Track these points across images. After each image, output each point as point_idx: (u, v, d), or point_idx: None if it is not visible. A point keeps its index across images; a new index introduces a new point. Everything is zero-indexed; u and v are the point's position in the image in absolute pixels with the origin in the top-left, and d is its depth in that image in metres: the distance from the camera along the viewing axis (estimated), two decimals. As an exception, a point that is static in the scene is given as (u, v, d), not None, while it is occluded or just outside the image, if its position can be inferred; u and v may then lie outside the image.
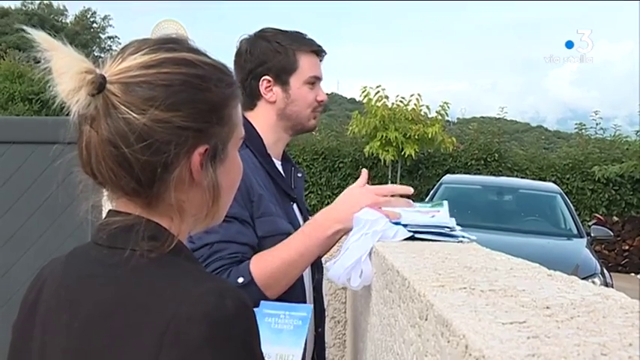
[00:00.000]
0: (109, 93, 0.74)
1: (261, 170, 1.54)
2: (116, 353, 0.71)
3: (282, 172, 1.64)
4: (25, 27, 0.75)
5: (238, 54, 1.61)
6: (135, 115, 0.73)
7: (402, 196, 1.59)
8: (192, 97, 0.77)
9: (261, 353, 0.75)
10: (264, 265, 1.39)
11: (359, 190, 1.48)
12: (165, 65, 0.76)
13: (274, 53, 1.58)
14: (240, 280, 1.36)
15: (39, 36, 0.74)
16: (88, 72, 0.73)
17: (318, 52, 1.64)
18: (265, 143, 1.59)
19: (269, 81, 1.58)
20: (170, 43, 0.80)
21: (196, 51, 0.82)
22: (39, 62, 0.74)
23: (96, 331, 0.73)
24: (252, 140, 1.54)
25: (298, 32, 1.64)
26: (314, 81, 1.62)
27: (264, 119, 1.60)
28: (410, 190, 1.53)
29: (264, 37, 1.61)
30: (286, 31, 1.63)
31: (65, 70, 0.73)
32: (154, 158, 0.74)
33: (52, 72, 0.74)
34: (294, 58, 1.58)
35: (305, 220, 1.63)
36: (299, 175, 1.71)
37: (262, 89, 1.58)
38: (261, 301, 1.38)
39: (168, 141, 0.75)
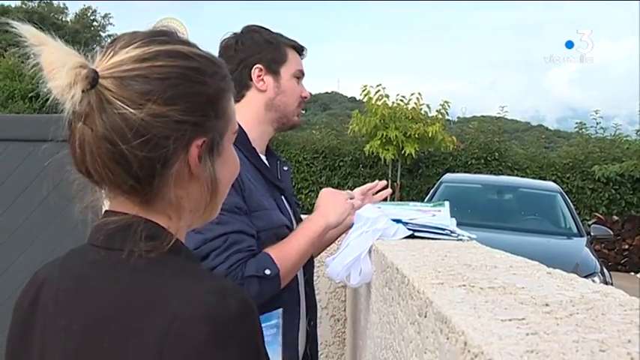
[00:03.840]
0: (103, 88, 0.72)
1: (248, 164, 1.54)
2: (117, 356, 0.70)
3: (268, 165, 1.66)
4: (11, 21, 0.72)
5: (226, 47, 1.63)
6: (131, 110, 0.71)
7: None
8: (188, 90, 0.75)
9: (266, 352, 0.74)
10: (286, 257, 1.44)
11: (327, 193, 1.65)
12: (160, 58, 0.75)
13: (266, 44, 1.62)
14: (268, 271, 1.39)
15: (27, 30, 0.71)
16: (83, 66, 0.71)
17: (300, 50, 1.69)
18: (250, 137, 1.60)
19: (261, 69, 1.62)
20: (162, 36, 0.78)
21: (188, 43, 0.80)
22: (28, 58, 0.72)
23: (96, 334, 0.72)
24: (237, 135, 1.55)
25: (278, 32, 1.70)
26: (300, 75, 1.67)
27: (250, 110, 1.62)
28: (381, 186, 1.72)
29: (254, 29, 1.65)
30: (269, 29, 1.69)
31: (59, 65, 0.70)
32: (153, 154, 0.73)
33: (42, 68, 0.71)
34: (283, 50, 1.63)
35: (294, 212, 1.67)
36: (285, 168, 1.73)
37: (254, 77, 1.61)
38: None
39: (166, 136, 0.73)
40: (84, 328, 0.73)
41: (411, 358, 0.85)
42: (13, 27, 0.72)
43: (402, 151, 11.39)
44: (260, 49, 1.61)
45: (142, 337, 0.69)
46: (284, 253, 1.45)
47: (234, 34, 1.65)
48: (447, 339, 0.64)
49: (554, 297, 0.74)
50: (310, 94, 1.71)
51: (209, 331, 0.67)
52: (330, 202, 1.59)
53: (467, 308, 0.67)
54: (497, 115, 14.57)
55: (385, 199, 1.83)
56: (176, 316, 0.68)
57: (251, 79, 1.61)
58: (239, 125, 1.56)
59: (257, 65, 1.61)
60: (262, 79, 1.62)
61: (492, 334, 0.57)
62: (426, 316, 0.76)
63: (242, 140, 1.57)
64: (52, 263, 0.85)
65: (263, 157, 1.65)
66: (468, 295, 0.75)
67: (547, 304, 0.70)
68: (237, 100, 1.63)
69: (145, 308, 0.71)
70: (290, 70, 1.63)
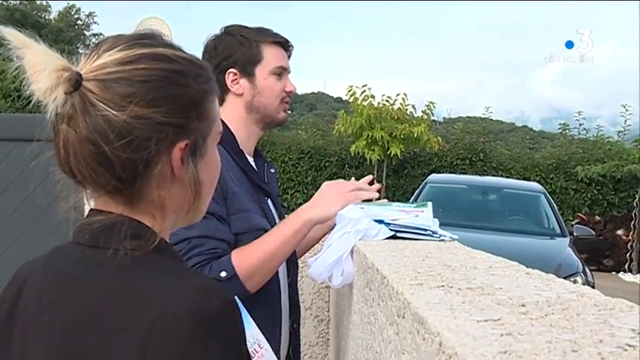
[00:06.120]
0: (86, 90, 0.73)
1: (234, 166, 1.54)
2: (101, 354, 0.70)
3: (255, 167, 1.65)
4: None
5: (205, 52, 1.62)
6: (114, 111, 0.72)
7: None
8: (171, 92, 0.76)
9: (247, 350, 0.75)
10: (246, 258, 1.41)
11: (325, 185, 1.58)
12: (143, 61, 0.76)
13: (238, 46, 1.60)
14: (223, 274, 1.38)
15: (9, 33, 0.72)
16: (65, 69, 0.72)
17: (284, 44, 1.65)
18: (237, 139, 1.60)
19: (235, 74, 1.60)
20: (145, 39, 0.79)
21: (172, 46, 0.81)
22: (11, 60, 0.72)
23: (80, 332, 0.72)
24: (224, 136, 1.54)
25: (262, 27, 1.66)
26: (280, 71, 1.63)
27: (234, 114, 1.61)
28: (375, 195, 1.63)
29: (229, 32, 1.63)
30: (250, 27, 1.65)
31: (41, 68, 0.71)
32: (135, 155, 0.74)
33: (25, 70, 0.72)
34: (257, 49, 1.61)
35: (279, 214, 1.66)
36: (272, 170, 1.73)
37: (229, 82, 1.60)
38: None
39: (148, 137, 0.74)
40: (68, 325, 0.74)
41: (390, 358, 0.86)
42: None
43: (388, 152, 11.42)
44: (233, 52, 1.59)
45: (126, 335, 0.69)
46: (249, 253, 1.42)
47: (212, 37, 1.64)
48: (424, 340, 0.64)
49: (531, 297, 0.75)
50: (295, 88, 1.67)
51: (192, 329, 0.68)
52: (321, 196, 1.54)
53: (444, 309, 0.68)
54: (483, 116, 14.70)
55: (369, 200, 1.83)
56: (160, 314, 0.69)
57: (227, 84, 1.59)
58: (227, 127, 1.57)
59: (230, 70, 1.59)
60: (238, 83, 1.60)
61: (467, 335, 0.57)
62: (404, 317, 0.76)
63: (230, 142, 1.56)
64: (34, 261, 0.85)
65: (251, 160, 1.65)
66: (446, 296, 0.75)
67: (523, 305, 0.70)
68: (219, 105, 1.63)
69: (129, 306, 0.71)
70: (267, 69, 1.61)
